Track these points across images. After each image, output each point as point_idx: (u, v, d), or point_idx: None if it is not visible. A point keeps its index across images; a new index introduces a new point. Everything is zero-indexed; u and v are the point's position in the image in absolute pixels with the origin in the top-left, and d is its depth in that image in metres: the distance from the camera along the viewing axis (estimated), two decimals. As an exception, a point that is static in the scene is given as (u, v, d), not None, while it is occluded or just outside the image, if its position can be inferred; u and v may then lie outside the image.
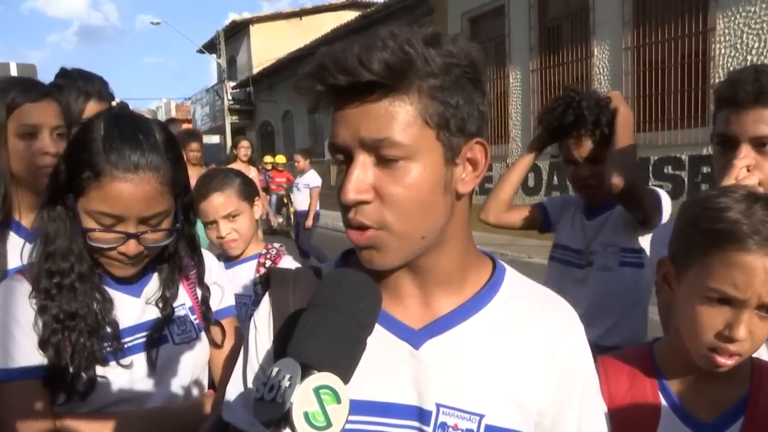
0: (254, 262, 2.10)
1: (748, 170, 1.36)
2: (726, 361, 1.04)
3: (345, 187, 0.75)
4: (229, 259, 2.08)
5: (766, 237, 1.00)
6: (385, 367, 0.81)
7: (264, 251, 2.14)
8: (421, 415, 0.80)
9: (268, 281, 0.94)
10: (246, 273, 2.06)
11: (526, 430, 0.83)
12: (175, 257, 1.31)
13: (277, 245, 2.22)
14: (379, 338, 0.80)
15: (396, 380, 0.82)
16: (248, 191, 2.10)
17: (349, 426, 0.77)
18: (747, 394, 1.09)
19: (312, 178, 9.03)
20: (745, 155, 1.37)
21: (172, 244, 1.27)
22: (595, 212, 2.17)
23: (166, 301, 1.30)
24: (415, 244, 0.79)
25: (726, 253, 1.03)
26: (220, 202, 2.01)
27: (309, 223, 8.71)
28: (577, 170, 2.06)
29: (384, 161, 0.75)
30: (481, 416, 0.81)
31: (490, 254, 0.94)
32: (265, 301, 0.91)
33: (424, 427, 0.80)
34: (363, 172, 0.75)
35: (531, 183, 10.21)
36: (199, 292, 1.37)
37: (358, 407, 0.78)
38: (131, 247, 1.17)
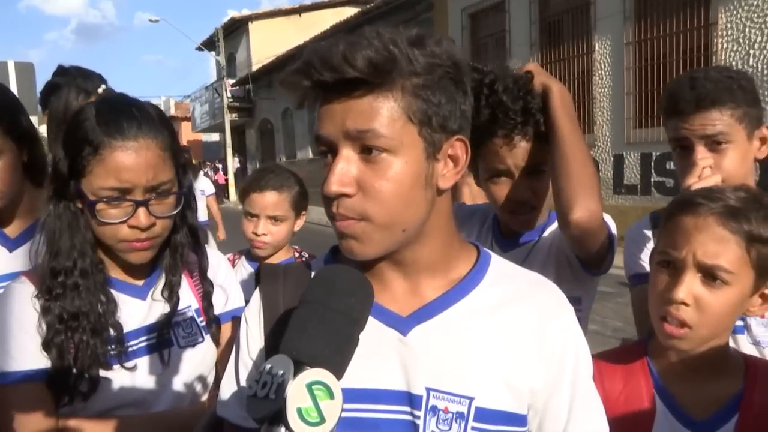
0: None
1: (711, 169, 1.42)
2: (674, 331, 1.05)
3: (328, 180, 0.78)
4: (255, 261, 2.06)
5: (723, 206, 1.04)
6: (374, 354, 0.82)
7: (297, 255, 2.11)
8: (411, 400, 0.82)
9: (258, 278, 0.95)
10: None
11: (517, 411, 0.84)
12: (177, 243, 1.29)
13: (297, 248, 2.19)
14: (368, 326, 0.80)
15: (385, 367, 0.84)
16: (301, 203, 2.06)
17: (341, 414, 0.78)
18: (741, 391, 1.09)
19: (206, 184, 7.46)
20: (703, 156, 1.42)
21: (176, 217, 1.25)
22: (511, 241, 1.52)
23: (171, 289, 1.28)
24: (396, 236, 0.81)
25: (675, 218, 1.09)
26: (272, 201, 1.98)
27: (221, 234, 7.16)
28: (516, 187, 1.37)
29: (367, 155, 0.77)
30: (471, 399, 0.82)
31: (475, 243, 0.96)
32: (256, 297, 0.93)
33: (415, 412, 0.82)
34: (347, 166, 0.78)
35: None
36: (202, 288, 1.35)
37: (348, 395, 0.79)
38: (142, 217, 1.15)
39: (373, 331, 0.82)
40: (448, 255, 0.89)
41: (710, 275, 1.03)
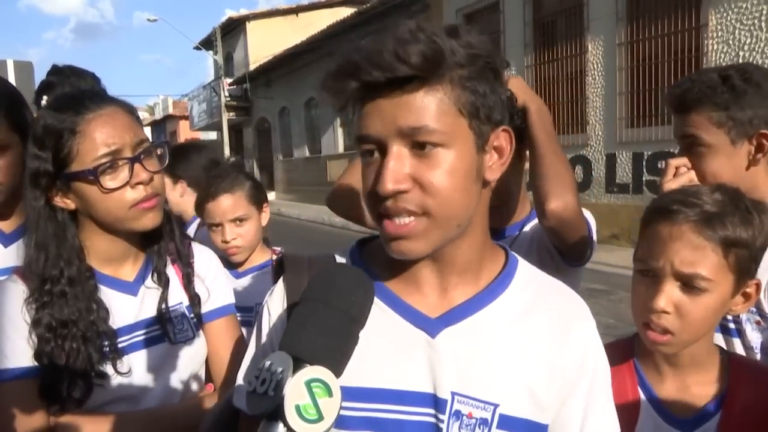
0: (268, 270, 1.96)
1: (687, 168, 1.42)
2: (657, 337, 1.06)
3: (383, 178, 0.74)
4: (232, 266, 1.98)
5: (698, 213, 1.03)
6: (401, 355, 0.82)
7: (275, 257, 2.01)
8: (436, 403, 0.81)
9: (281, 267, 0.93)
10: (262, 281, 1.94)
11: (540, 420, 0.83)
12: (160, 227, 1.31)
13: (276, 249, 2.12)
14: (396, 326, 0.82)
15: (412, 368, 0.82)
16: (258, 196, 2.00)
17: (365, 414, 0.80)
18: (725, 390, 1.09)
19: None
20: (679, 157, 1.44)
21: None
22: (495, 235, 1.69)
23: (160, 271, 1.31)
24: (451, 231, 0.79)
25: (651, 226, 1.09)
26: (229, 204, 1.91)
27: None
28: None
29: (419, 150, 0.75)
30: (496, 405, 0.81)
31: (503, 245, 0.95)
32: (279, 287, 0.91)
33: (440, 415, 0.81)
34: (399, 163, 0.75)
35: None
36: (181, 269, 1.36)
37: (373, 395, 0.81)
38: (141, 173, 1.19)
39: (401, 332, 0.83)
40: (482, 254, 0.87)
41: (689, 283, 1.03)
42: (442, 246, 0.81)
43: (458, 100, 0.75)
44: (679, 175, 1.39)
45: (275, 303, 0.90)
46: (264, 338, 0.90)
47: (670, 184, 1.37)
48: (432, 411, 0.81)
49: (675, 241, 1.03)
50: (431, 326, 0.83)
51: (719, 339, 1.45)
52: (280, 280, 0.92)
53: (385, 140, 0.75)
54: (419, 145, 0.75)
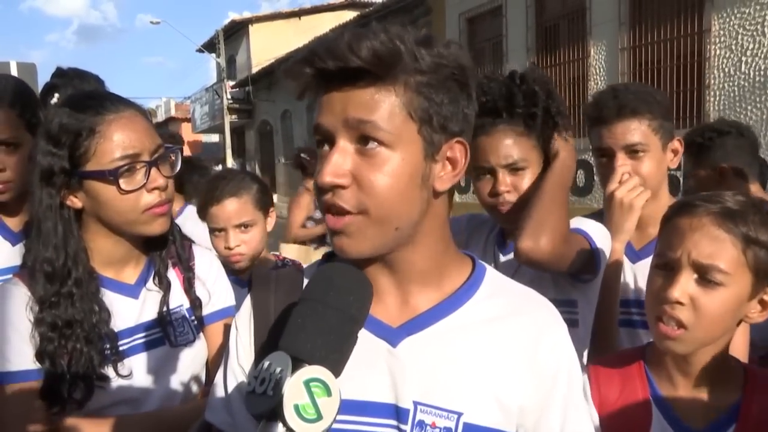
0: None
1: (630, 175, 1.53)
2: (670, 331, 1.03)
3: (323, 170, 0.76)
4: (234, 273, 1.85)
5: (720, 207, 1.03)
6: (362, 365, 0.80)
7: (280, 264, 1.95)
8: (398, 413, 0.81)
9: (251, 283, 0.95)
10: None
11: (506, 428, 0.82)
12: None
13: (277, 254, 2.05)
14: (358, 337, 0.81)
15: (373, 378, 0.82)
16: (265, 200, 1.92)
17: None
18: (739, 402, 1.07)
19: None
20: (623, 163, 1.54)
21: None
22: (511, 245, 1.54)
23: (161, 275, 1.32)
24: (389, 234, 0.79)
25: (672, 221, 1.09)
26: (234, 209, 1.83)
27: None
28: (496, 182, 1.46)
29: (364, 146, 0.76)
30: (460, 414, 0.80)
31: (471, 254, 0.94)
32: (246, 303, 0.92)
33: (402, 426, 0.80)
34: (342, 158, 0.76)
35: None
36: (182, 272, 1.37)
37: None
38: (158, 178, 1.19)
39: (363, 342, 0.80)
40: (441, 263, 0.87)
41: (705, 275, 1.01)
42: (386, 250, 0.81)
43: (410, 104, 0.76)
44: (625, 181, 1.49)
45: (243, 320, 0.91)
46: (231, 355, 0.91)
47: (619, 192, 1.47)
48: (394, 422, 0.81)
49: (694, 232, 1.03)
50: (392, 335, 0.83)
51: (623, 334, 1.52)
52: (248, 297, 0.92)
53: (333, 132, 0.77)
54: (364, 139, 0.76)
